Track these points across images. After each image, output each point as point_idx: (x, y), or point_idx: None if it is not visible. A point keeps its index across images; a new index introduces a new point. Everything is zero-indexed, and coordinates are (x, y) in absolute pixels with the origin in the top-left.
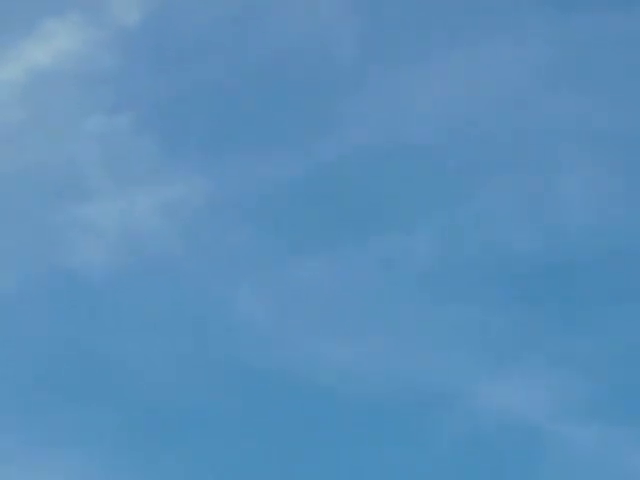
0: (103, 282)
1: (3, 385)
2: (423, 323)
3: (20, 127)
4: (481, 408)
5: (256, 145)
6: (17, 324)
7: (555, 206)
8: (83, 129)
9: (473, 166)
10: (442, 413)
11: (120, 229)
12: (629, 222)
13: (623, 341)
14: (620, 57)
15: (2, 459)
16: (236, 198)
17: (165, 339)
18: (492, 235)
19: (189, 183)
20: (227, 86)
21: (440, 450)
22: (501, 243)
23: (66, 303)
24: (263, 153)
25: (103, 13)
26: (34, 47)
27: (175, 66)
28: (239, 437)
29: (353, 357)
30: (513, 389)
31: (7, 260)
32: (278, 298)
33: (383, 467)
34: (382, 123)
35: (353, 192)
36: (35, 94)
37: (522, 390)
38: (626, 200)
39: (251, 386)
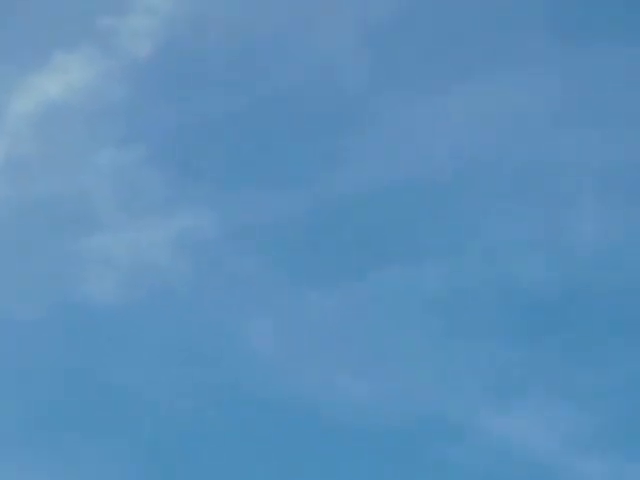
0: (114, 313)
1: (15, 415)
2: (431, 356)
3: (32, 159)
4: (489, 441)
5: (266, 177)
6: (28, 353)
7: (564, 239)
8: (94, 161)
9: (482, 199)
10: (449, 446)
11: (131, 261)
12: (637, 254)
13: (633, 374)
14: (632, 90)
15: None
16: (246, 230)
17: (176, 370)
18: (501, 268)
19: (199, 215)
20: (237, 118)
21: None
22: (509, 276)
23: (77, 333)
24: (273, 186)
25: (114, 46)
26: (46, 80)
27: (185, 98)
28: (250, 468)
29: (361, 389)
30: (521, 422)
31: (18, 290)
32: (288, 330)
33: None
34: (391, 156)
35: (363, 225)
36: (47, 126)
37: (531, 423)
38: (635, 232)
39: (261, 417)
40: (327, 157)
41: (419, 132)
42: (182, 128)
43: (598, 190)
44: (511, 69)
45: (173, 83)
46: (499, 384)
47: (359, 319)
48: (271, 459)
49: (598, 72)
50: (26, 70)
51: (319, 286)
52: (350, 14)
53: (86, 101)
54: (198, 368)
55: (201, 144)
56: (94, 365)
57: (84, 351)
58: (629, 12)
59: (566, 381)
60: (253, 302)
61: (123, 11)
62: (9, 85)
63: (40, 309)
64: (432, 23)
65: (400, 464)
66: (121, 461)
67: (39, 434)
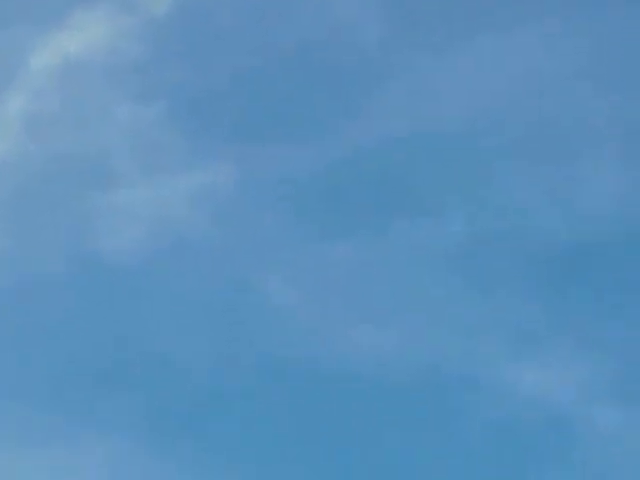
0: (134, 268)
1: (38, 369)
2: (452, 307)
3: (51, 116)
4: (509, 391)
5: (284, 133)
6: (49, 309)
7: (584, 191)
8: (113, 118)
9: (499, 151)
10: (471, 397)
11: (150, 216)
12: None
13: None
14: None
15: (38, 442)
16: (265, 185)
17: (196, 325)
18: (520, 219)
19: (218, 170)
20: (255, 75)
21: (469, 434)
22: (530, 228)
23: (97, 289)
24: (291, 140)
25: (133, 3)
26: (65, 37)
27: (204, 56)
28: (270, 423)
29: (383, 342)
30: (541, 373)
31: (39, 246)
32: (308, 283)
33: (412, 451)
34: (408, 109)
35: (381, 177)
36: (66, 83)
37: (550, 374)
38: None
39: (281, 371)
40: (344, 110)
41: (436, 85)
42: (201, 84)
43: (618, 144)
44: (529, 23)
45: (192, 40)
46: (521, 335)
47: (379, 272)
48: (293, 414)
49: (620, 28)
50: (45, 28)
51: (338, 239)
52: None
53: (105, 58)
54: (217, 322)
55: (219, 100)
56: (112, 318)
57: (103, 304)
58: None
59: (588, 332)
60: (273, 256)
61: None
62: (28, 43)
63: (60, 263)
64: None
65: (420, 415)
66: (138, 416)
67: (57, 387)
